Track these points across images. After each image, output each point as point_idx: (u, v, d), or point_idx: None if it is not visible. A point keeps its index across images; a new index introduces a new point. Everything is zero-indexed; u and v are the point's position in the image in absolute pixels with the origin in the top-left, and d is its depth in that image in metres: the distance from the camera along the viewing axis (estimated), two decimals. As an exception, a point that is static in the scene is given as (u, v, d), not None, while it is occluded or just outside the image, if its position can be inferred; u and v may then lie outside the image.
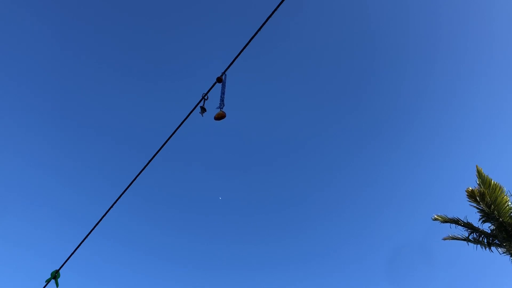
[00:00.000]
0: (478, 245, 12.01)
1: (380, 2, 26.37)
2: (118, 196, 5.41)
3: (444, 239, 12.53)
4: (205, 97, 4.87)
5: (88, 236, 5.63)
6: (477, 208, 11.49)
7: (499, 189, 11.16)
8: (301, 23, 27.04)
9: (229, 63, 4.61)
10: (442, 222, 12.26)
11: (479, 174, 11.61)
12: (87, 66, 26.62)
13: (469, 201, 11.48)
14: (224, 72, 4.81)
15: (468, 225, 11.85)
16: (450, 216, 12.25)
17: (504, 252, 11.52)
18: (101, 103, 27.97)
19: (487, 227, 11.80)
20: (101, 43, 26.66)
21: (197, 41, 26.72)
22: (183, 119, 4.83)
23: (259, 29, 4.31)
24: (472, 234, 11.95)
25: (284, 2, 4.06)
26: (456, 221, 12.00)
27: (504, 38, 24.83)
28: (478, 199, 11.20)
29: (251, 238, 28.64)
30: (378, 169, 29.87)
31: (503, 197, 11.16)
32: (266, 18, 4.22)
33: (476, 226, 11.82)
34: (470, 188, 11.31)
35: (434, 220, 12.43)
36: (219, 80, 4.84)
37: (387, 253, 26.69)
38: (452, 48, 26.17)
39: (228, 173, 30.38)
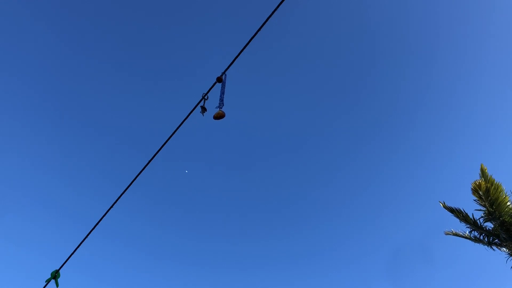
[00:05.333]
0: (479, 244, 12.03)
1: (380, 0, 26.35)
2: (119, 195, 5.42)
3: (446, 233, 12.58)
4: (205, 97, 4.88)
5: (89, 236, 5.64)
6: (480, 204, 11.47)
7: (501, 189, 11.18)
8: (301, 22, 27.03)
9: (229, 62, 4.62)
10: (446, 208, 12.24)
11: (483, 173, 11.57)
12: (86, 65, 26.63)
13: (473, 196, 11.43)
14: (224, 72, 4.81)
15: (470, 220, 11.80)
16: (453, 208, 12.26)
17: (505, 252, 11.53)
18: (101, 103, 27.96)
19: (487, 226, 11.83)
20: (101, 42, 26.65)
21: (197, 41, 26.72)
22: (183, 119, 4.84)
23: (259, 29, 4.31)
24: (473, 232, 11.96)
25: (284, 1, 4.06)
26: (459, 212, 11.97)
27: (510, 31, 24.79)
28: (482, 194, 11.16)
29: (251, 236, 28.67)
30: (379, 168, 29.88)
31: (504, 197, 11.18)
32: (266, 18, 4.22)
33: (479, 223, 11.82)
34: (478, 181, 11.21)
35: (440, 203, 12.44)
36: (219, 80, 4.84)
37: (387, 253, 26.71)
38: (457, 44, 26.17)
39: (228, 172, 30.40)
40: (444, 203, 12.40)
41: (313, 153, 30.21)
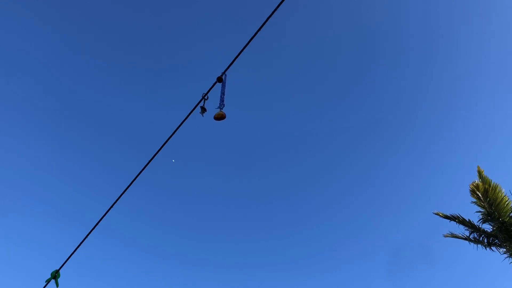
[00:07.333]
0: (478, 245, 12.03)
1: (380, 0, 26.35)
2: (119, 195, 5.42)
3: (445, 236, 12.59)
4: (205, 97, 4.88)
5: (89, 236, 5.65)
6: (479, 205, 11.48)
7: (499, 190, 11.19)
8: (301, 22, 27.04)
9: (229, 62, 4.62)
10: (442, 217, 12.29)
11: (480, 175, 11.62)
12: (86, 65, 26.62)
13: (471, 197, 11.46)
14: (224, 72, 4.81)
15: (468, 224, 11.84)
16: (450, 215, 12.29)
17: (504, 252, 11.53)
18: (101, 102, 27.96)
19: (486, 227, 11.85)
20: (101, 42, 26.65)
21: (198, 41, 26.73)
22: (183, 119, 4.84)
23: (260, 29, 4.31)
24: (472, 234, 11.97)
25: (284, 1, 4.06)
26: (456, 217, 12.00)
27: (505, 36, 24.82)
28: (480, 195, 11.17)
29: (251, 236, 28.69)
30: (379, 168, 29.89)
31: (502, 197, 11.18)
32: (266, 17, 4.22)
33: (477, 225, 11.84)
34: (476, 182, 11.25)
35: (435, 214, 12.50)
36: (219, 80, 4.85)
37: (387, 253, 26.72)
38: (455, 46, 26.17)
39: (228, 172, 30.41)
40: (439, 212, 12.42)
41: (313, 153, 30.24)
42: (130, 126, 28.51)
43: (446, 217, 12.24)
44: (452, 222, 12.19)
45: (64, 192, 27.46)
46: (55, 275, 6.15)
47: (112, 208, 5.45)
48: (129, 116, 28.58)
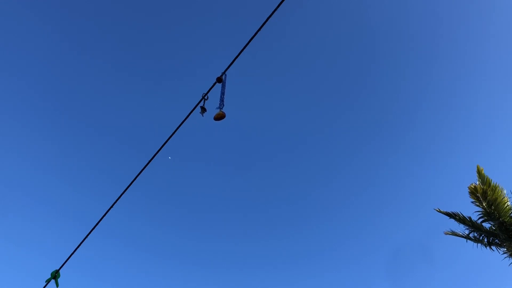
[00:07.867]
0: (478, 244, 12.04)
1: (380, 0, 26.35)
2: (119, 195, 5.42)
3: (446, 233, 12.61)
4: (205, 97, 4.88)
5: (89, 236, 5.65)
6: (478, 206, 11.51)
7: (499, 190, 11.20)
8: (301, 22, 27.04)
9: (229, 62, 4.62)
10: (443, 213, 12.31)
11: (479, 174, 11.63)
12: (87, 65, 26.61)
13: (471, 198, 11.50)
14: (224, 72, 4.82)
15: (468, 222, 11.83)
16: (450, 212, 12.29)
17: (504, 252, 11.54)
18: (101, 103, 27.95)
19: (486, 226, 11.84)
20: (101, 42, 26.64)
21: (197, 41, 26.72)
22: (183, 119, 4.85)
23: (259, 29, 4.31)
24: (472, 233, 11.98)
25: (284, 1, 4.06)
26: (456, 215, 12.01)
27: (505, 37, 24.82)
28: (479, 196, 11.21)
29: (251, 236, 28.69)
30: (379, 168, 29.89)
31: (503, 197, 11.19)
32: (266, 18, 4.22)
33: (476, 225, 11.84)
34: (473, 185, 11.30)
35: (436, 211, 12.53)
36: (219, 80, 4.85)
37: (387, 253, 26.74)
38: (455, 46, 26.17)
39: (228, 172, 30.40)
40: (439, 209, 12.45)
41: (313, 153, 30.23)
42: (130, 126, 28.52)
43: (446, 214, 12.23)
44: (452, 221, 12.21)
45: (64, 192, 27.48)
46: (55, 275, 6.16)
47: (112, 208, 5.46)
48: (129, 116, 28.59)
